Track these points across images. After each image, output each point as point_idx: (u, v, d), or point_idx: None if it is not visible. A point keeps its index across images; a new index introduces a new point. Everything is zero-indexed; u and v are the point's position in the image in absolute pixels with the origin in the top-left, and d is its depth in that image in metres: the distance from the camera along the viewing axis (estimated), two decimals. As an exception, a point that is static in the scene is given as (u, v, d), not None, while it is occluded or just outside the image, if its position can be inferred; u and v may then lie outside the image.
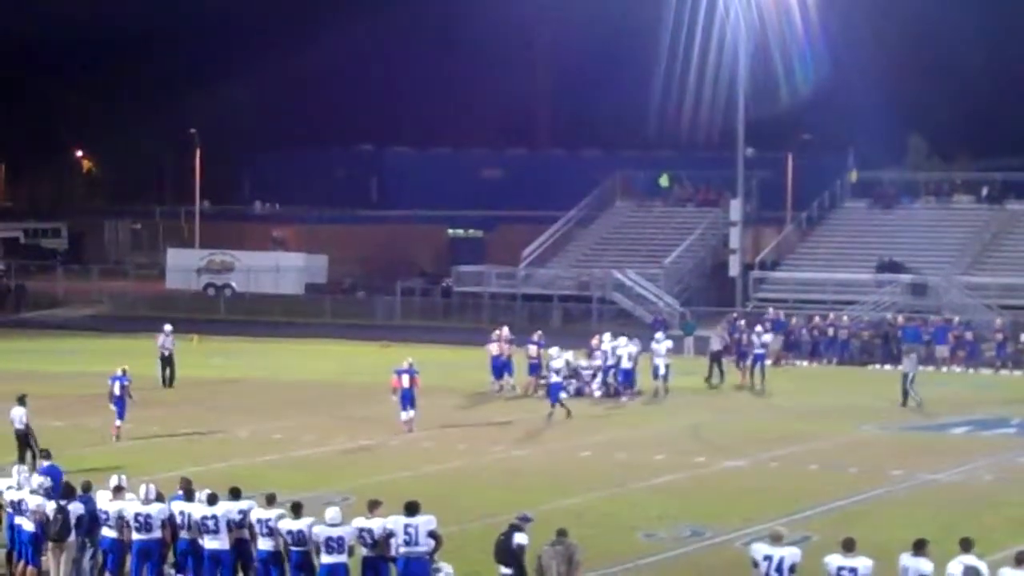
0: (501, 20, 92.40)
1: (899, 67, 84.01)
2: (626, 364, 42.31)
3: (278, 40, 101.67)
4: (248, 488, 21.76)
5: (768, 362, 51.85)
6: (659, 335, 44.10)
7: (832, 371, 51.16)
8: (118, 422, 34.62)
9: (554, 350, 39.90)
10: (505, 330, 44.40)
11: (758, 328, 46.52)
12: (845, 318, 55.12)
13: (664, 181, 77.13)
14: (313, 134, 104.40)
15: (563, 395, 38.90)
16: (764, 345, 45.55)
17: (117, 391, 34.70)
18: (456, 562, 20.35)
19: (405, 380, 36.29)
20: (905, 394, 41.23)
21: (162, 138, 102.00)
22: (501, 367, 43.29)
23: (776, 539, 18.38)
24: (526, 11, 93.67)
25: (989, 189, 70.55)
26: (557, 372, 38.71)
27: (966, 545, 17.91)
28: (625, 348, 42.56)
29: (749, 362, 45.57)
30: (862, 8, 75.77)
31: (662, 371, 42.52)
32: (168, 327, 44.91)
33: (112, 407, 34.74)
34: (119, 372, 35.18)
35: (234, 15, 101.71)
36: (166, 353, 44.12)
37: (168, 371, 44.26)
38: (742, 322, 49.76)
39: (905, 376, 41.56)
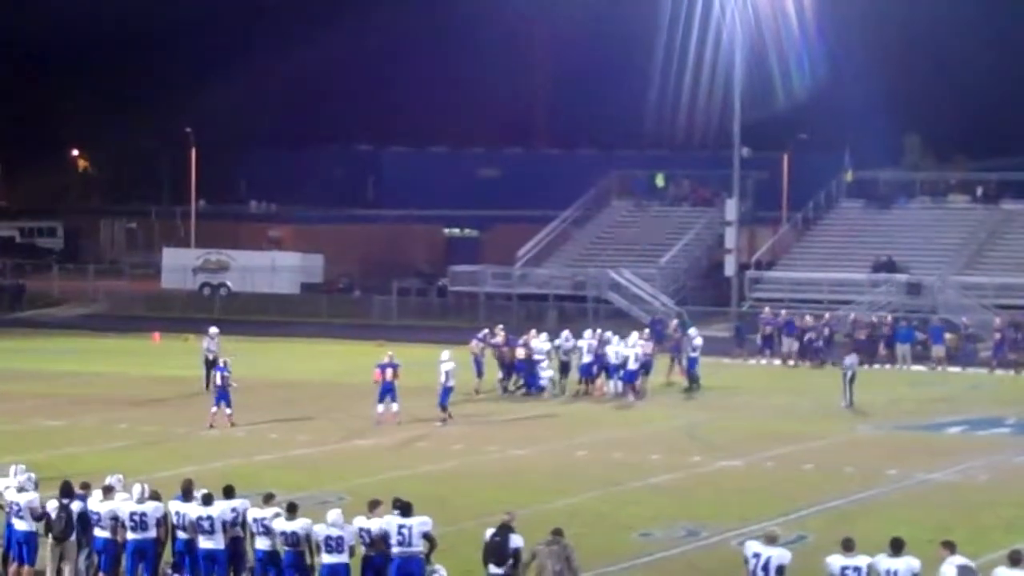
0: (498, 20, 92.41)
1: (895, 67, 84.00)
2: (632, 365, 42.20)
3: (275, 39, 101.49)
4: (244, 487, 21.76)
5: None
6: (634, 335, 44.07)
7: (827, 372, 51.10)
8: (228, 411, 35.94)
9: (445, 353, 38.71)
10: (499, 329, 44.26)
11: (691, 330, 46.33)
12: (827, 316, 54.28)
13: (660, 181, 77.11)
14: (310, 133, 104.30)
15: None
16: (696, 348, 45.14)
17: (219, 381, 36.20)
18: (451, 562, 20.38)
19: (388, 374, 36.59)
20: (846, 393, 41.08)
21: (158, 137, 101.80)
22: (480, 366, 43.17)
23: (771, 539, 18.43)
24: (523, 11, 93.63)
25: (985, 189, 70.54)
26: (448, 375, 37.65)
27: (951, 547, 17.90)
28: (632, 348, 42.48)
29: (685, 362, 45.19)
30: (858, 8, 75.78)
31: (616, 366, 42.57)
32: (214, 330, 44.47)
33: (214, 398, 36.32)
34: (221, 363, 37.17)
35: (230, 14, 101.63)
36: (210, 356, 43.01)
37: (208, 374, 43.76)
38: (675, 321, 49.69)
39: (844, 375, 41.52)
